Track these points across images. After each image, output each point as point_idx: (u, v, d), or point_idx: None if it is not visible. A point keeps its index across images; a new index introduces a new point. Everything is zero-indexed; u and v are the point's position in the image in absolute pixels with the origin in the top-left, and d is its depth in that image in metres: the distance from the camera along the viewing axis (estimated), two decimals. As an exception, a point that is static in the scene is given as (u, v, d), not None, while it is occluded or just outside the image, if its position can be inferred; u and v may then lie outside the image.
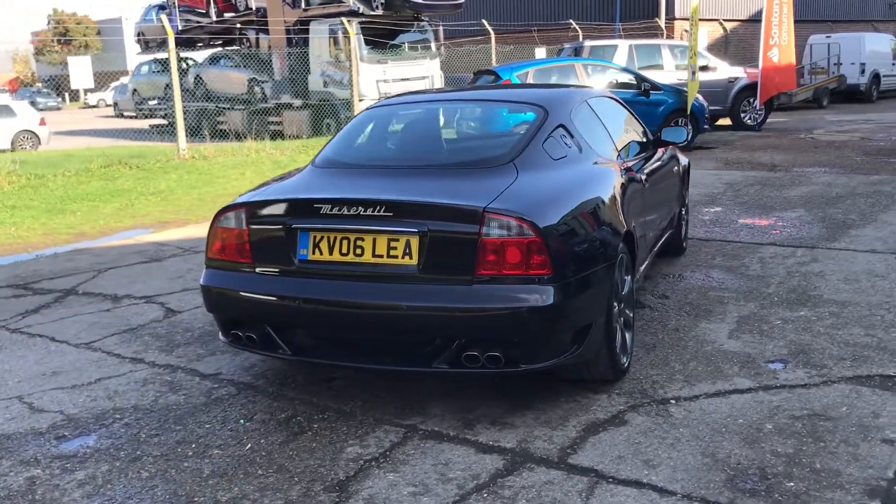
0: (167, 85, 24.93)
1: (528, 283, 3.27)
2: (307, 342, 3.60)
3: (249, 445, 3.40)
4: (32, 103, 53.08)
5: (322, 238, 3.47)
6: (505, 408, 3.66)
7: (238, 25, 22.24)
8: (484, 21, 18.23)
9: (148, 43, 26.84)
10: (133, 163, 12.90)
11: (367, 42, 18.34)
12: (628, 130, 5.26)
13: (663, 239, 5.59)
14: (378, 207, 3.38)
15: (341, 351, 3.56)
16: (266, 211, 3.63)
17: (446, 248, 3.31)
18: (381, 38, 18.60)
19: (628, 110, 5.37)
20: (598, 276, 3.54)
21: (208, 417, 3.69)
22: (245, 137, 16.68)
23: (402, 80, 18.46)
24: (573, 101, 4.43)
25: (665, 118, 13.00)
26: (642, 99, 12.80)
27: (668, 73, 15.29)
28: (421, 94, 5.05)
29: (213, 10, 22.61)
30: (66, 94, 57.34)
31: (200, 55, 25.84)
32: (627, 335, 4.07)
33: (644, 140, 5.43)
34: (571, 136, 4.11)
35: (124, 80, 36.71)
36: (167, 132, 22.42)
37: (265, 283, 3.58)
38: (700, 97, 13.48)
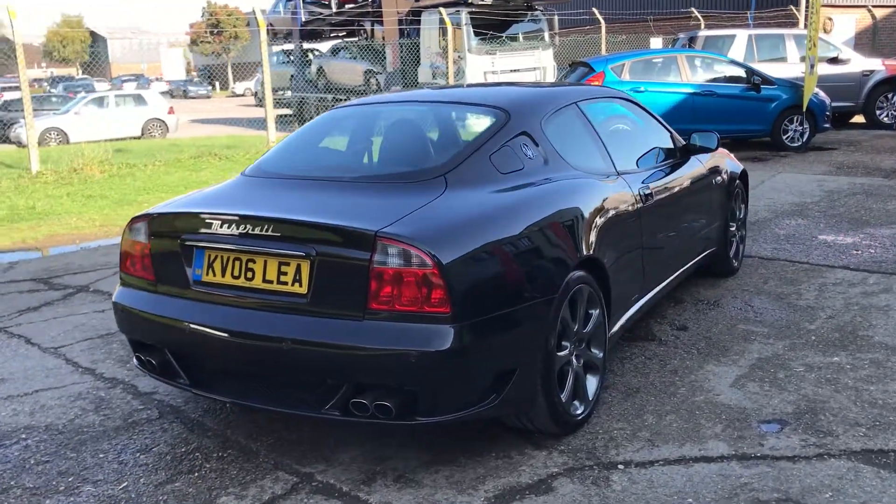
0: (292, 75, 25.56)
1: (424, 322, 2.77)
2: (205, 373, 3.24)
3: (125, 484, 3.08)
4: (184, 92, 55.85)
5: (216, 257, 3.10)
6: (423, 460, 3.17)
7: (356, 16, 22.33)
8: (595, 10, 17.37)
9: (276, 34, 27.50)
10: (224, 153, 13.05)
11: (476, 33, 17.91)
12: (639, 138, 4.60)
13: (695, 260, 4.89)
14: (266, 226, 2.97)
15: (236, 386, 3.18)
16: (165, 224, 3.29)
17: (336, 277, 2.86)
18: (493, 29, 18.12)
19: (649, 114, 4.69)
20: (526, 314, 2.99)
21: (110, 445, 3.41)
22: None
23: (512, 71, 17.91)
24: (550, 104, 3.84)
25: (777, 116, 11.88)
26: (752, 94, 11.75)
27: (792, 65, 14.00)
28: (388, 96, 4.57)
29: (333, 2, 22.80)
30: (217, 84, 59.96)
31: (325, 46, 26.23)
32: (592, 380, 3.49)
33: (670, 148, 4.74)
34: (537, 146, 3.55)
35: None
36: (290, 122, 22.91)
37: (163, 304, 3.25)
38: (820, 93, 12.23)
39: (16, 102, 26.78)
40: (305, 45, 25.30)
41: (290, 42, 26.15)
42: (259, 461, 3.22)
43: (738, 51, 14.19)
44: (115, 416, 3.70)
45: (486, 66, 17.93)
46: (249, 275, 3.02)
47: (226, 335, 3.02)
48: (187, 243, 3.16)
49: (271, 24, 28.23)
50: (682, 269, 4.68)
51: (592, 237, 3.45)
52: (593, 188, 3.60)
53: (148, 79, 62.18)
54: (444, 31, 18.38)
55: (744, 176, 5.67)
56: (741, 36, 14.52)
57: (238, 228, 3.00)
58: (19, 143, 20.77)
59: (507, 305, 2.93)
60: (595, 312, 3.48)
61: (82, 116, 21.61)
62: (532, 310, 3.02)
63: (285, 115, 25.65)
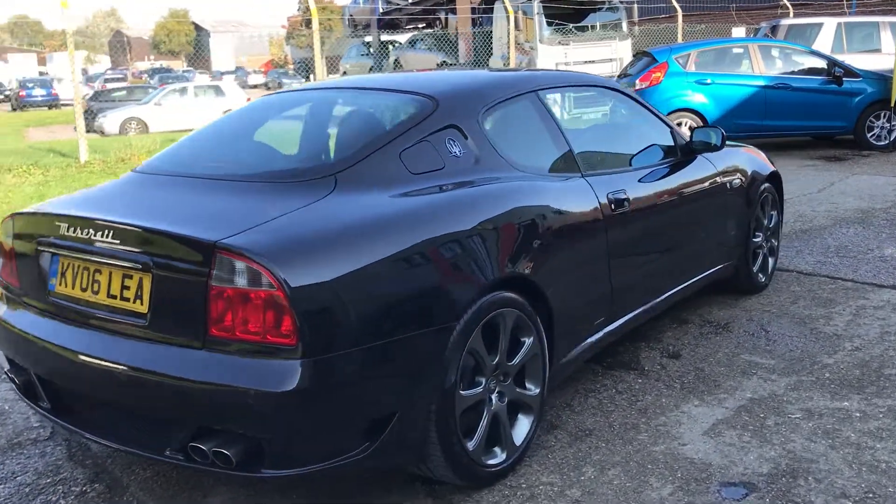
0: (371, 67, 25.40)
1: (268, 355, 2.28)
2: (66, 399, 2.83)
3: (-39, 520, 2.72)
4: (279, 84, 56.87)
5: (68, 266, 2.69)
6: (301, 509, 2.69)
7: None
8: (673, -1, 16.41)
9: (356, 25, 27.42)
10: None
11: (549, 23, 17.21)
12: (625, 134, 3.98)
13: (700, 276, 4.22)
14: (107, 232, 2.54)
15: (91, 418, 2.75)
16: (27, 224, 2.90)
17: (175, 295, 2.40)
18: (568, 19, 17.39)
19: (643, 106, 4.04)
20: (408, 347, 2.46)
21: (-24, 469, 3.06)
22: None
23: (586, 62, 17.13)
24: (495, 93, 3.26)
25: (862, 111, 10.80)
26: (832, 88, 10.71)
27: (887, 57, 12.77)
28: (320, 83, 4.06)
29: (410, -9, 22.52)
30: (312, 75, 60.56)
31: (405, 38, 25.96)
32: (523, 422, 2.93)
33: (668, 146, 4.08)
34: (468, 141, 2.99)
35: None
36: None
37: (22, 316, 2.87)
38: (913, 86, 11.05)
39: (105, 93, 27.62)
40: (385, 37, 25.08)
41: (370, 34, 26.01)
42: (123, 500, 2.80)
43: (824, 41, 13.06)
44: (4, 434, 3.35)
45: (558, 56, 17.20)
46: (95, 287, 2.60)
47: (70, 356, 2.61)
48: (42, 248, 2.77)
49: (352, 16, 28.26)
50: (678, 288, 4.02)
51: (524, 251, 2.88)
52: (533, 193, 3.02)
53: (246, 71, 63.55)
54: (517, 22, 17.77)
55: (774, 178, 4.92)
56: (829, 24, 13.37)
57: (84, 233, 2.58)
58: (102, 132, 21.26)
59: (381, 336, 2.40)
60: (528, 341, 2.91)
61: (162, 107, 21.96)
62: (418, 341, 2.49)
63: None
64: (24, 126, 25.50)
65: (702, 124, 10.61)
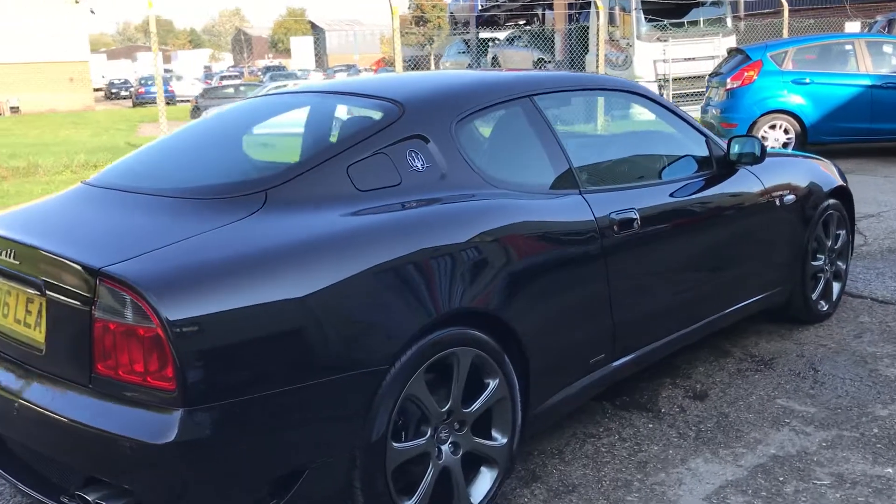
0: (469, 65, 25.15)
1: (147, 401, 2.01)
2: None
3: None
4: (388, 81, 57.40)
5: (-15, 285, 2.50)
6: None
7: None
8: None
9: (457, 23, 27.22)
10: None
11: (648, 19, 16.48)
12: (646, 144, 3.53)
13: (741, 304, 3.72)
14: (10, 251, 2.32)
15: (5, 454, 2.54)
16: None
17: (65, 326, 2.16)
18: (668, 14, 16.61)
19: (672, 113, 3.55)
20: (322, 394, 2.14)
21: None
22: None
23: (686, 59, 16.31)
24: (476, 98, 2.88)
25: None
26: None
27: None
28: (289, 88, 3.70)
29: (509, -13, 22.11)
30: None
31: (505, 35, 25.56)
32: (485, 476, 2.57)
33: (702, 157, 3.60)
34: (435, 154, 2.63)
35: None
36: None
37: None
38: None
39: (214, 90, 28.43)
40: (484, 34, 24.75)
41: (467, 31, 25.76)
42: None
43: (948, 35, 11.91)
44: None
45: (656, 53, 16.46)
46: (5, 310, 2.39)
47: None
48: None
49: (452, 14, 28.07)
50: (710, 319, 3.54)
51: (487, 281, 2.50)
52: (505, 213, 2.63)
53: (358, 68, 64.55)
54: (613, 17, 17.12)
55: (842, 194, 4.32)
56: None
57: None
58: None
59: (288, 382, 2.09)
60: (493, 384, 2.54)
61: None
62: (337, 387, 2.16)
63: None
64: (140, 121, 26.49)
65: (798, 128, 9.83)
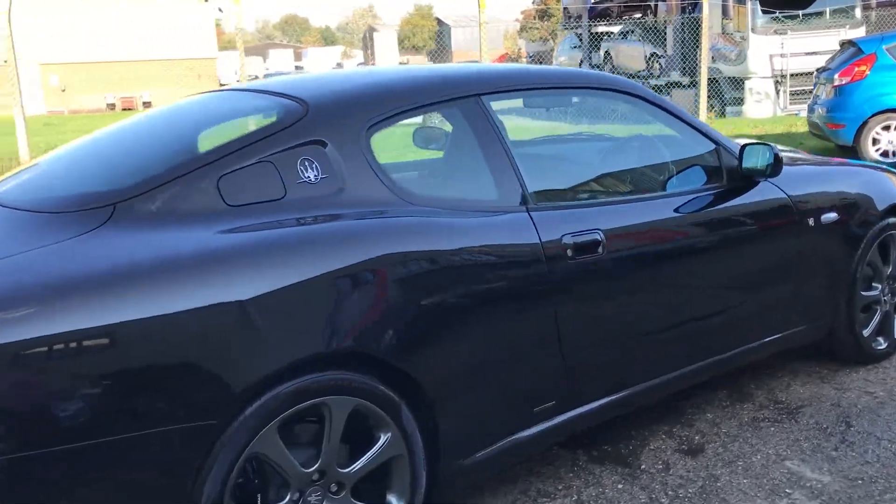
0: (581, 61, 24.42)
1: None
2: None
3: None
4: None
5: None
6: None
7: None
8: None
9: (570, 16, 26.47)
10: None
11: (765, 10, 15.36)
12: (629, 153, 2.99)
13: (756, 343, 3.15)
14: None
15: None
16: None
17: None
18: (794, 5, 15.45)
19: (676, 116, 2.99)
20: (138, 451, 1.80)
21: None
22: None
23: (807, 53, 15.09)
24: (403, 98, 2.45)
25: None
26: None
27: None
28: (237, 85, 3.33)
29: (623, -21, 21.22)
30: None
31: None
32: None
33: (711, 167, 3.04)
34: (335, 163, 2.24)
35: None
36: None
37: None
38: None
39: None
40: (599, 28, 23.92)
41: (579, 25, 25.00)
42: None
43: None
44: None
45: (772, 47, 15.34)
46: None
47: None
48: None
49: (566, 8, 27.31)
50: (710, 361, 2.99)
51: (376, 319, 2.10)
52: (412, 235, 2.20)
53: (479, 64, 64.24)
54: (727, 9, 16.09)
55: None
56: None
57: None
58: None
59: (92, 435, 1.76)
60: (384, 439, 2.14)
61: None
62: (155, 443, 1.81)
63: (574, 102, 24.64)
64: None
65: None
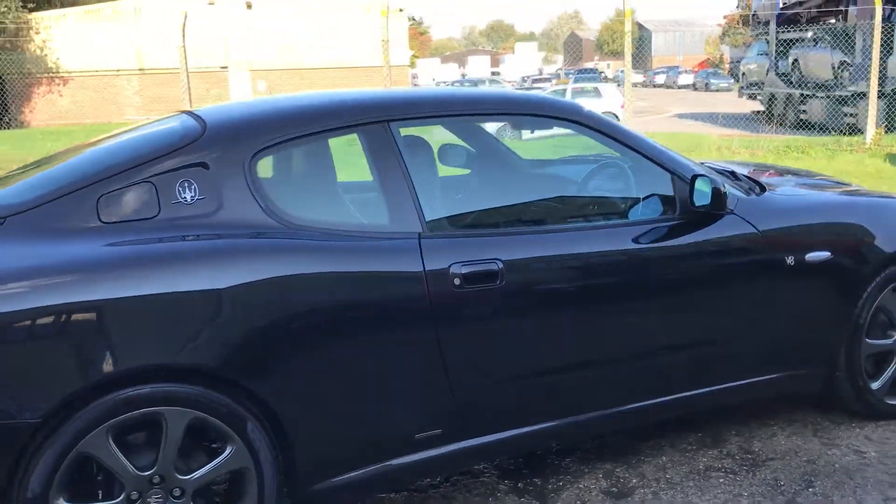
0: (767, 69, 23.17)
1: None
2: None
3: None
4: (706, 84, 54.99)
5: None
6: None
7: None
8: None
9: (759, 22, 25.11)
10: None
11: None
12: (565, 182, 2.87)
13: (721, 386, 2.95)
14: None
15: None
16: None
17: None
18: None
19: (622, 142, 2.84)
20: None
21: None
22: (829, 130, 15.12)
23: None
24: (301, 123, 2.50)
25: None
26: None
27: None
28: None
29: (812, -19, 19.86)
30: (742, 76, 57.65)
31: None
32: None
33: (667, 198, 2.88)
34: (216, 185, 2.35)
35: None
36: (761, 120, 20.71)
37: None
38: None
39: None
40: (788, 35, 22.53)
41: (766, 31, 23.68)
42: None
43: None
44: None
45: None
46: None
47: None
48: None
49: (755, 13, 25.91)
50: (647, 403, 2.83)
51: (222, 337, 2.20)
52: (268, 258, 2.28)
53: (678, 70, 62.52)
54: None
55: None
56: None
57: None
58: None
59: None
60: (228, 452, 2.25)
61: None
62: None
63: (760, 113, 23.53)
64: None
65: None
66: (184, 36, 11.55)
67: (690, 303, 2.86)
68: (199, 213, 2.34)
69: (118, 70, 33.59)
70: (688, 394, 2.91)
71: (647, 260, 2.77)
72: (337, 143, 2.69)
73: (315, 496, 2.40)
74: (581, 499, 2.77)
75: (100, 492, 2.18)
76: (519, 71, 70.35)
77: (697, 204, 2.73)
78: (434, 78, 62.61)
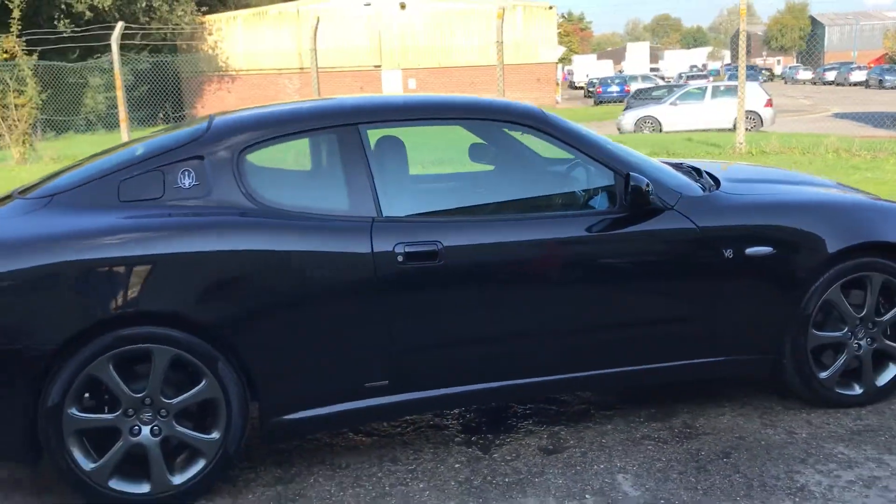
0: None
1: None
2: None
3: None
4: (880, 81, 51.73)
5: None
6: None
7: None
8: None
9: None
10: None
11: None
12: (508, 181, 3.26)
13: (658, 365, 3.29)
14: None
15: None
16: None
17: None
18: None
19: (572, 144, 3.22)
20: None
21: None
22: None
23: None
24: (279, 126, 3.08)
25: None
26: None
27: None
28: None
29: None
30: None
31: None
32: (198, 462, 2.90)
33: (602, 193, 3.24)
34: (209, 174, 2.96)
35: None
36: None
37: None
38: None
39: (646, 91, 28.78)
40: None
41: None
42: None
43: None
44: None
45: None
46: None
47: None
48: None
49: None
50: (579, 374, 3.20)
51: (197, 292, 2.80)
52: (237, 233, 2.86)
53: (851, 66, 59.05)
54: None
55: (885, 252, 3.39)
56: None
57: None
58: (619, 130, 22.41)
59: None
60: (202, 384, 2.85)
61: (678, 107, 22.17)
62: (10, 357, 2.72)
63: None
64: (575, 121, 28.08)
65: None
66: (315, 39, 12.49)
67: (622, 287, 3.21)
68: (195, 196, 2.96)
69: (280, 69, 35.82)
70: (622, 369, 3.26)
71: (579, 247, 3.15)
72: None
73: (282, 426, 2.97)
74: (517, 452, 3.20)
75: (105, 407, 2.84)
76: (679, 67, 68.57)
77: (619, 200, 3.10)
78: (588, 74, 62.15)
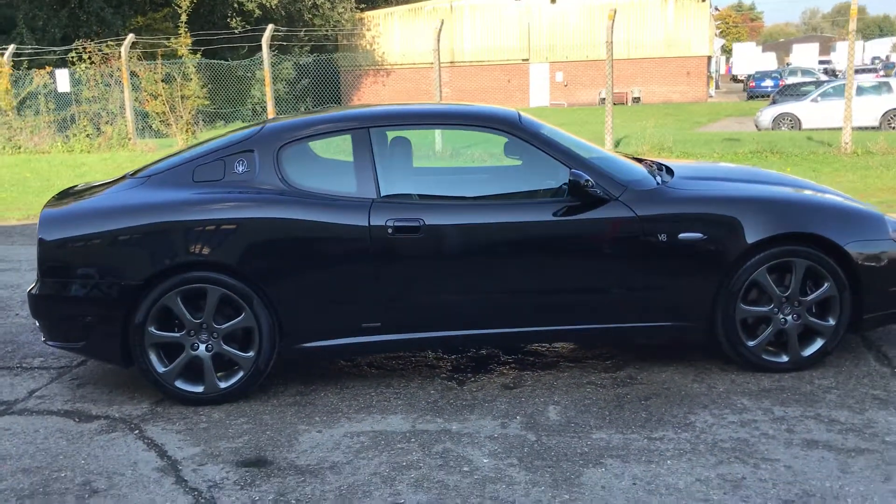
0: None
1: (42, 273, 4.05)
2: None
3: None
4: None
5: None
6: None
7: None
8: None
9: None
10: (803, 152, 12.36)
11: None
12: (488, 177, 4.08)
13: (606, 325, 4.06)
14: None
15: None
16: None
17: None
18: None
19: (539, 148, 4.05)
20: (103, 290, 3.90)
21: None
22: None
23: None
24: (307, 128, 4.10)
25: None
26: None
27: None
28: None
29: None
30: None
31: None
32: (239, 373, 3.97)
33: (562, 189, 4.04)
34: (257, 163, 4.01)
35: None
36: None
37: None
38: None
39: (794, 87, 28.03)
40: None
41: None
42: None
43: None
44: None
45: None
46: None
47: None
48: None
49: None
50: (535, 329, 4.06)
51: (239, 248, 3.86)
52: (273, 207, 3.90)
53: None
54: None
55: (815, 243, 4.00)
56: None
57: None
58: (757, 127, 22.19)
59: (87, 277, 3.90)
60: (242, 315, 3.91)
61: (819, 104, 21.70)
62: (111, 288, 3.88)
63: None
64: (721, 116, 27.77)
65: None
66: (438, 39, 13.55)
67: (570, 259, 4.00)
68: (245, 179, 4.03)
69: (431, 63, 37.40)
70: (572, 327, 4.07)
71: (535, 228, 3.98)
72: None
73: (300, 352, 4.00)
74: (483, 386, 4.07)
75: (174, 328, 3.95)
76: (856, 60, 64.74)
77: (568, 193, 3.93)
78: (753, 67, 60.04)
